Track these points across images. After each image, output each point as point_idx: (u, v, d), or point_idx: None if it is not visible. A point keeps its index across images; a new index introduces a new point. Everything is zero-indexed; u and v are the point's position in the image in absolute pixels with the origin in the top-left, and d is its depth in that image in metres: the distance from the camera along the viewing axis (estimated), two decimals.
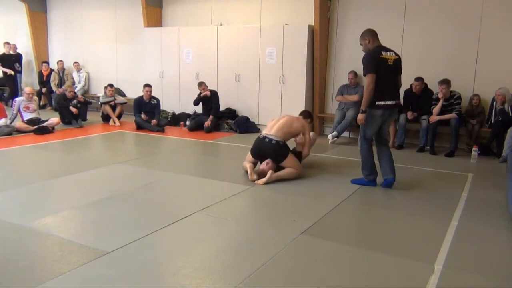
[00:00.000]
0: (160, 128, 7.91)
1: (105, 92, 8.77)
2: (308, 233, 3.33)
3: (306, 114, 5.55)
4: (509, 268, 2.91)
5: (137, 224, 3.42)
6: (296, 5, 8.06)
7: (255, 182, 4.60)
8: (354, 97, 7.27)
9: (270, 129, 4.94)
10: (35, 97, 8.18)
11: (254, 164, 4.90)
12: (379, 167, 4.68)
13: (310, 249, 3.07)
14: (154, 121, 8.03)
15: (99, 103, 8.91)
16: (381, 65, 4.35)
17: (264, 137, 4.85)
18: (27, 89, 8.06)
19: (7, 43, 10.59)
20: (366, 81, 4.34)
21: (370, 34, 4.45)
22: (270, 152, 4.80)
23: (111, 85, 8.77)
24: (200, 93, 8.04)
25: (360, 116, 4.45)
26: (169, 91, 9.17)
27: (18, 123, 7.51)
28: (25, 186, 4.39)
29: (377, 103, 4.37)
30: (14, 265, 2.70)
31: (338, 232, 3.43)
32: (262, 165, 4.78)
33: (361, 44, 4.54)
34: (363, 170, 4.69)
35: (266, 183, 4.57)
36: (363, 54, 4.54)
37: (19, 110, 7.71)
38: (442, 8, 6.92)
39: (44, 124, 7.54)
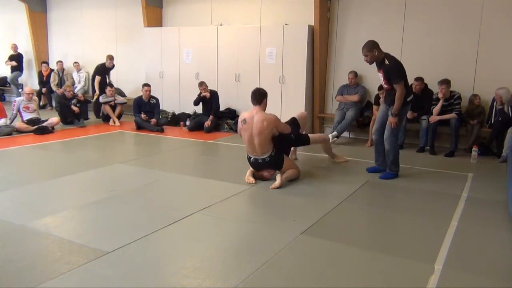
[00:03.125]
0: (159, 128, 7.90)
1: (105, 92, 8.77)
2: (308, 233, 3.33)
3: (258, 99, 4.77)
4: (509, 268, 2.91)
5: (137, 224, 3.42)
6: (296, 5, 8.06)
7: (270, 187, 4.50)
8: (354, 97, 7.28)
9: (253, 150, 4.72)
10: (35, 97, 8.18)
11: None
12: (375, 157, 5.25)
13: (310, 249, 3.07)
14: (153, 120, 8.04)
15: (99, 103, 8.91)
16: (405, 70, 4.87)
17: (256, 159, 4.74)
18: (26, 89, 8.06)
19: (110, 57, 9.30)
20: (400, 89, 4.71)
21: (377, 46, 4.76)
22: (268, 167, 4.77)
23: (111, 85, 8.78)
24: (200, 93, 8.04)
25: (393, 119, 4.84)
26: (169, 91, 9.17)
27: (18, 123, 7.51)
28: (25, 186, 4.39)
29: (408, 99, 4.89)
30: (14, 265, 2.70)
31: (338, 232, 3.43)
32: (264, 172, 4.78)
33: (365, 55, 4.79)
34: (394, 165, 5.01)
35: (279, 187, 4.52)
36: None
37: (18, 110, 7.71)
38: (442, 8, 6.91)
39: (44, 124, 7.54)
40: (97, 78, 9.33)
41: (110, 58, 9.33)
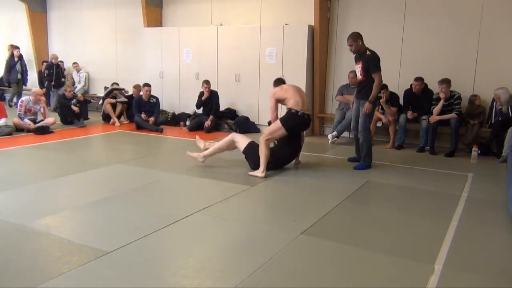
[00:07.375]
0: (159, 128, 7.90)
1: (111, 88, 8.84)
2: (308, 233, 3.33)
3: (273, 83, 5.75)
4: (509, 268, 2.91)
5: (137, 224, 3.42)
6: (296, 5, 8.06)
7: (249, 173, 4.79)
8: None
9: (302, 104, 5.12)
10: (43, 98, 7.91)
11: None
12: (356, 149, 5.62)
13: (310, 249, 3.07)
14: (151, 119, 8.04)
15: (105, 91, 8.97)
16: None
17: (303, 114, 5.08)
18: (36, 90, 7.87)
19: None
20: (378, 78, 5.10)
21: (361, 37, 5.21)
22: (308, 127, 5.31)
23: (116, 84, 8.88)
24: (201, 94, 8.04)
25: (369, 106, 5.14)
26: (169, 91, 9.17)
27: (15, 119, 7.44)
28: (25, 186, 4.39)
29: (379, 94, 5.38)
30: (14, 265, 2.70)
31: (338, 232, 3.43)
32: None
33: (350, 45, 5.24)
34: (368, 157, 5.37)
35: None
36: None
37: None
38: (442, 8, 6.92)
39: (40, 124, 7.48)
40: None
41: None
